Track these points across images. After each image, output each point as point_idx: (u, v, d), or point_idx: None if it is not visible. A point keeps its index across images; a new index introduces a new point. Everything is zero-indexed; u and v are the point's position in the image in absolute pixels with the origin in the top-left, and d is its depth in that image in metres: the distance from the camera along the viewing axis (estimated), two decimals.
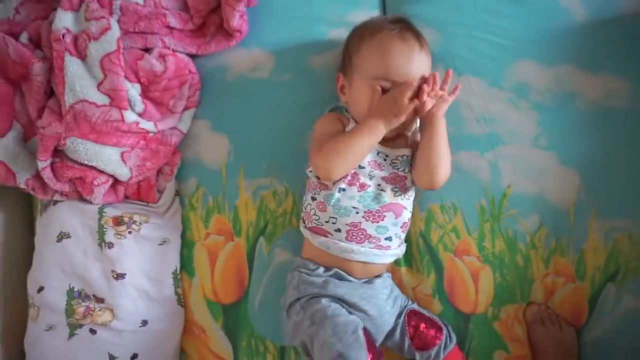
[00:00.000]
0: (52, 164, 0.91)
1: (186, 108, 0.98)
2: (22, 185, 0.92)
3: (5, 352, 0.99)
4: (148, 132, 0.93)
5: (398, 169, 0.86)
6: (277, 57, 0.97)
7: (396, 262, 0.96)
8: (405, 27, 0.85)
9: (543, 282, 0.95)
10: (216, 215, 0.99)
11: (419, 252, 0.96)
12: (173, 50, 0.95)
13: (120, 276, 0.95)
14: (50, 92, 0.93)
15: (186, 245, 1.01)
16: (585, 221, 0.93)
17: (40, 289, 0.95)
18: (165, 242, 0.98)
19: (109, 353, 0.95)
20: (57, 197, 0.95)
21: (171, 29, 0.95)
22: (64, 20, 0.88)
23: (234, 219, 0.98)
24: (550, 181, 0.93)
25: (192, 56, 0.98)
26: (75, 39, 0.89)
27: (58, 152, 0.92)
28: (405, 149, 0.87)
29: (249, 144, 0.98)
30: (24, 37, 0.91)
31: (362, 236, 0.84)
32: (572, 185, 0.93)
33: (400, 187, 0.86)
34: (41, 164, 0.90)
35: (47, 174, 0.90)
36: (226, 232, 0.98)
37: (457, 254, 0.95)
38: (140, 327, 0.96)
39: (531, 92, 0.93)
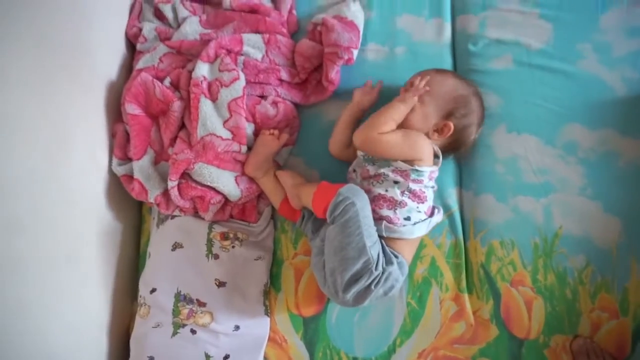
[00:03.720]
0: (178, 185, 1.10)
1: (285, 145, 1.17)
2: (152, 200, 1.10)
3: (112, 343, 1.13)
4: None
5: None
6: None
7: (460, 289, 1.11)
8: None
9: (589, 317, 1.08)
10: (304, 238, 1.15)
11: (480, 281, 1.11)
12: (283, 99, 1.16)
13: (222, 284, 1.11)
14: (181, 126, 1.13)
15: (275, 264, 1.16)
16: (627, 262, 1.07)
17: (153, 290, 1.11)
18: (260, 258, 1.14)
19: (205, 352, 1.08)
20: (176, 212, 1.13)
21: (281, 81, 1.17)
22: (202, 69, 1.10)
23: None
24: (595, 226, 1.08)
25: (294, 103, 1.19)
26: (209, 85, 1.10)
27: (183, 175, 1.11)
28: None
29: (336, 176, 1.14)
30: (167, 81, 1.13)
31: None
32: (614, 230, 1.08)
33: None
34: (171, 184, 1.08)
35: (174, 192, 1.08)
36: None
37: (513, 284, 1.09)
38: (233, 331, 1.10)
39: (578, 150, 1.11)
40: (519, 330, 1.09)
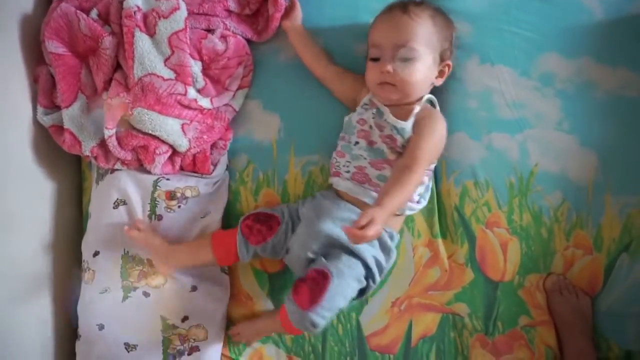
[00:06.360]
0: (116, 133, 0.96)
1: (240, 87, 1.04)
2: (87, 153, 0.97)
3: (57, 312, 1.03)
4: (204, 107, 0.99)
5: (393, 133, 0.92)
6: (326, 42, 1.05)
7: (433, 234, 1.05)
8: (402, 2, 0.94)
9: (563, 254, 1.05)
10: (265, 189, 1.05)
11: (454, 224, 1.05)
12: (233, 32, 1.02)
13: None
14: (116, 66, 0.99)
15: (235, 218, 1.06)
16: (602, 197, 1.03)
17: (96, 253, 1.00)
18: (207, 214, 1.03)
19: (160, 315, 0.99)
20: (117, 165, 1.00)
21: (230, 12, 1.03)
22: None
23: (283, 193, 1.05)
24: (571, 161, 1.03)
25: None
26: (145, 17, 0.95)
27: (122, 122, 0.97)
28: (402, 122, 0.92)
29: (299, 122, 1.05)
30: (94, 13, 0.96)
31: (364, 179, 0.93)
32: (590, 165, 1.03)
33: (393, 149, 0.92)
34: (108, 132, 0.95)
35: (112, 142, 0.95)
36: (274, 204, 1.04)
37: (488, 225, 1.04)
38: (190, 291, 1.01)
39: (555, 81, 1.03)
40: (494, 272, 1.05)
